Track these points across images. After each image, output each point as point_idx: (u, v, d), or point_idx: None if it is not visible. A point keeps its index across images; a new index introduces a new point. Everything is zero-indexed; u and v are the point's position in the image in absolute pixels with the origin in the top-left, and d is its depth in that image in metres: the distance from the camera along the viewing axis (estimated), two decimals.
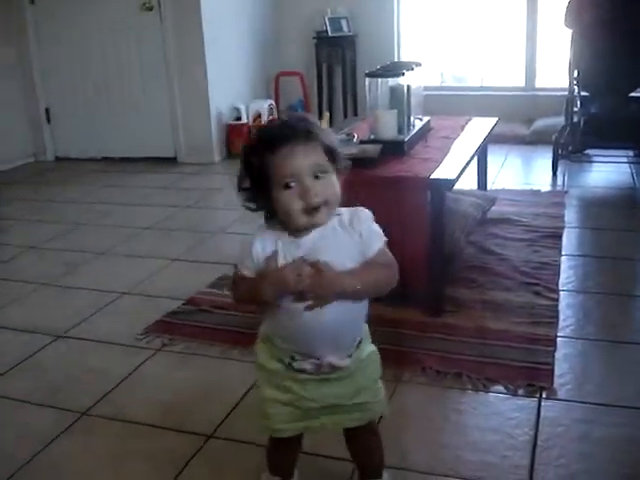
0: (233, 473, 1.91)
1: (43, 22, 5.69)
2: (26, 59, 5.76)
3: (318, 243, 1.42)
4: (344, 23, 5.98)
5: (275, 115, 5.71)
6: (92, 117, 5.73)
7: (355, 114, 6.10)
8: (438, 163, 2.78)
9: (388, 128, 2.93)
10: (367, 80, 3.01)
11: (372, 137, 2.96)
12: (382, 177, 2.64)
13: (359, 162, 2.68)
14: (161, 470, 1.93)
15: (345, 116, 6.12)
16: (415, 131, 3.10)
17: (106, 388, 2.35)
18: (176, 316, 2.80)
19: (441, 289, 2.74)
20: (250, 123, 5.57)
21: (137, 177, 5.18)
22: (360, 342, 1.55)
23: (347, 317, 1.47)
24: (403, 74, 3.01)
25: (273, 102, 5.81)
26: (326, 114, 5.87)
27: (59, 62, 5.74)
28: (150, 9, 5.36)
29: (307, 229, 1.42)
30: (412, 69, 3.11)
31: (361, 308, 1.51)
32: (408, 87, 3.04)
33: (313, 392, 1.52)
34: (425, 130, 3.28)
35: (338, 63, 6.14)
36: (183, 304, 2.90)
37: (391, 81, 3.04)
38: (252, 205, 1.46)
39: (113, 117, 5.66)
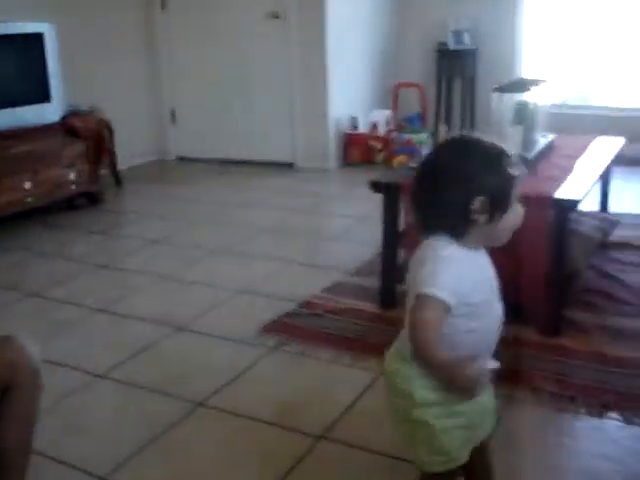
0: (343, 476, 1.95)
1: (172, 26, 5.91)
2: (155, 61, 6.01)
3: (487, 265, 1.50)
4: (466, 36, 5.94)
5: (392, 125, 5.73)
6: (214, 119, 5.91)
7: (472, 127, 6.05)
8: (562, 182, 2.74)
9: (513, 144, 2.90)
10: (494, 95, 3.00)
11: None
12: None
13: None
14: (271, 467, 1.99)
15: (463, 129, 6.07)
16: (540, 149, 3.06)
17: (222, 382, 2.43)
18: (291, 318, 2.86)
19: (559, 310, 2.70)
20: (367, 132, 5.62)
21: (255, 180, 5.31)
22: None
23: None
24: (530, 90, 2.98)
25: (391, 113, 5.83)
26: (443, 127, 5.87)
27: (186, 65, 5.95)
28: (276, 17, 5.49)
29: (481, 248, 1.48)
30: (539, 85, 3.08)
31: None
32: (535, 104, 3.01)
33: (482, 401, 1.50)
34: (549, 148, 3.24)
35: (458, 76, 6.11)
36: (298, 307, 2.96)
37: (517, 97, 3.02)
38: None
39: (234, 121, 5.81)
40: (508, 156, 1.42)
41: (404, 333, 1.44)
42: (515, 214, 1.44)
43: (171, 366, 2.58)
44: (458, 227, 1.41)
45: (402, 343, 1.47)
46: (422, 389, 1.43)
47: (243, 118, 5.77)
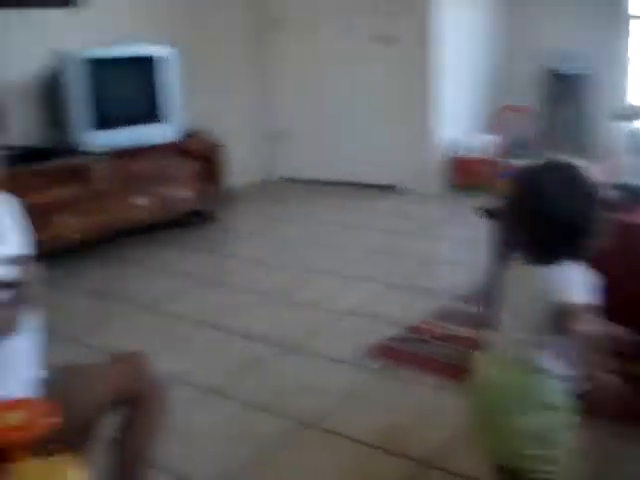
0: None
1: (284, 48, 6.06)
2: (266, 83, 6.16)
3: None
4: (577, 61, 5.83)
5: (498, 150, 5.68)
6: (321, 141, 6.00)
7: (582, 154, 5.91)
8: None
9: (628, 173, 2.85)
10: (609, 121, 2.95)
11: (611, 181, 2.89)
12: (624, 223, 2.56)
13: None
14: None
15: (571, 155, 5.94)
16: None
17: (327, 402, 2.47)
18: (397, 342, 2.88)
19: None
20: (473, 156, 5.59)
21: (358, 202, 5.35)
22: None
23: None
24: None
25: (497, 137, 5.78)
26: (551, 152, 5.76)
27: (295, 87, 6.08)
28: (386, 40, 5.54)
29: None
30: None
31: None
32: None
33: None
34: None
35: (567, 101, 5.99)
36: (405, 331, 2.98)
37: (632, 124, 2.96)
38: None
39: (340, 142, 5.88)
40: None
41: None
42: None
43: (279, 385, 2.64)
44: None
45: (528, 355, 1.50)
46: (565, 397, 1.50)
47: (348, 140, 5.83)
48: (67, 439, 1.60)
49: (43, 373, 1.69)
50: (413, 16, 5.39)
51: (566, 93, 5.94)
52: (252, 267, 3.99)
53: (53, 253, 3.95)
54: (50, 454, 1.53)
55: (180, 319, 3.29)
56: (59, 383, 1.67)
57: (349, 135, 5.83)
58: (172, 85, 4.61)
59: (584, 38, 5.80)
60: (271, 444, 2.25)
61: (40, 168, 3.95)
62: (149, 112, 4.57)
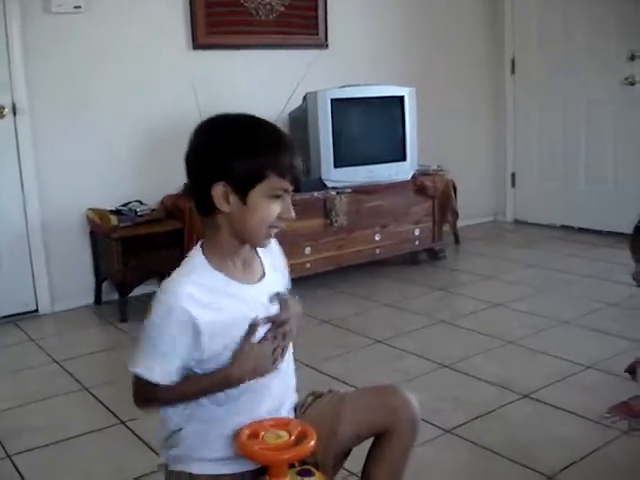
0: None
1: (520, 90, 6.01)
2: (500, 124, 6.13)
3: None
4: None
5: None
6: (555, 184, 5.84)
7: None
8: None
9: None
10: None
11: None
12: None
13: None
14: None
15: None
16: None
17: (571, 458, 2.36)
18: None
19: None
20: None
21: (600, 250, 5.09)
22: None
23: None
24: None
25: None
26: None
27: (529, 129, 5.98)
28: (632, 84, 5.29)
29: None
30: None
31: None
32: None
33: None
34: None
35: None
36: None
37: None
38: None
39: (578, 188, 5.68)
40: None
41: None
42: None
43: (517, 433, 2.56)
44: None
45: None
46: None
47: (586, 185, 5.62)
48: (320, 464, 1.66)
49: (297, 396, 1.77)
50: None
51: None
52: (486, 309, 3.93)
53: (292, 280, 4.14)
54: (301, 475, 1.60)
55: (412, 354, 3.31)
56: (315, 408, 1.74)
57: (589, 180, 5.61)
58: (409, 124, 4.69)
59: None
60: None
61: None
62: (388, 151, 4.70)
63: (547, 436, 2.53)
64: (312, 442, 1.52)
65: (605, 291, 4.12)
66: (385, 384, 1.80)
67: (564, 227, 5.74)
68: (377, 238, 4.57)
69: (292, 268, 4.02)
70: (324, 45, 5.02)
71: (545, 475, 2.27)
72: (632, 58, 5.26)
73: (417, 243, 4.82)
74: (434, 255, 4.96)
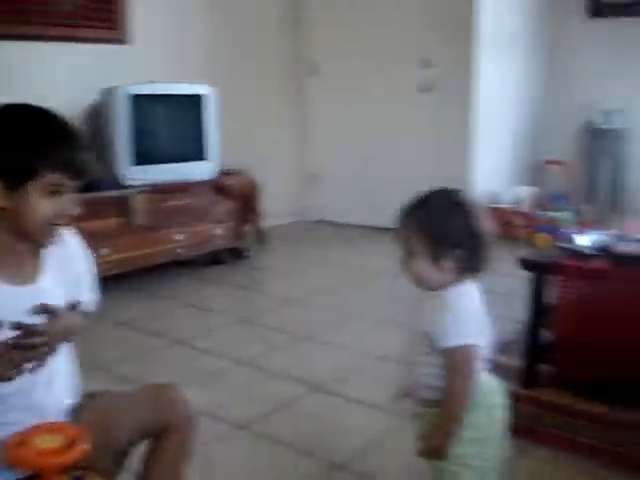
0: None
1: (320, 93, 6.16)
2: (302, 126, 6.25)
3: (421, 305, 1.74)
4: (616, 116, 5.83)
5: (536, 202, 5.66)
6: (354, 185, 6.03)
7: (619, 210, 5.88)
8: None
9: None
10: None
11: None
12: None
13: (636, 260, 2.62)
14: None
15: (610, 211, 5.91)
16: None
17: (361, 446, 2.44)
18: None
19: None
20: (510, 208, 5.57)
21: (392, 247, 5.30)
22: None
23: None
24: None
25: (535, 189, 5.77)
26: (588, 207, 5.74)
27: (330, 130, 6.15)
28: (425, 90, 5.58)
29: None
30: None
31: (424, 369, 1.69)
32: None
33: None
34: None
35: (606, 156, 5.99)
36: None
37: None
38: None
39: (373, 187, 5.90)
40: None
41: None
42: None
43: (310, 425, 2.61)
44: None
45: None
46: None
47: (385, 185, 5.85)
48: (97, 467, 1.59)
49: (74, 399, 1.70)
50: (453, 67, 5.44)
51: (605, 148, 5.94)
52: (285, 306, 3.99)
53: None
54: None
55: (211, 354, 3.28)
56: (89, 410, 1.67)
57: (383, 180, 5.85)
58: (211, 124, 4.67)
59: (624, 93, 5.82)
60: None
61: (81, 199, 3.98)
62: (189, 149, 4.65)
63: (338, 426, 2.60)
64: (84, 445, 1.46)
65: (400, 286, 4.29)
66: (158, 383, 1.77)
67: (364, 226, 5.93)
68: (178, 238, 4.50)
69: None
70: (124, 40, 4.86)
71: (336, 464, 2.33)
72: (426, 65, 5.54)
73: (219, 242, 4.80)
74: (237, 254, 4.96)
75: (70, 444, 1.46)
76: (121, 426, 1.63)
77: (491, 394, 1.70)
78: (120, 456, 1.69)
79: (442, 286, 1.64)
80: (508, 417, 1.73)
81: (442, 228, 1.61)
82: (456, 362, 1.59)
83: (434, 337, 1.60)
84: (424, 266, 1.62)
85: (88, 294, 1.73)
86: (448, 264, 1.61)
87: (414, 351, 1.69)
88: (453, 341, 1.58)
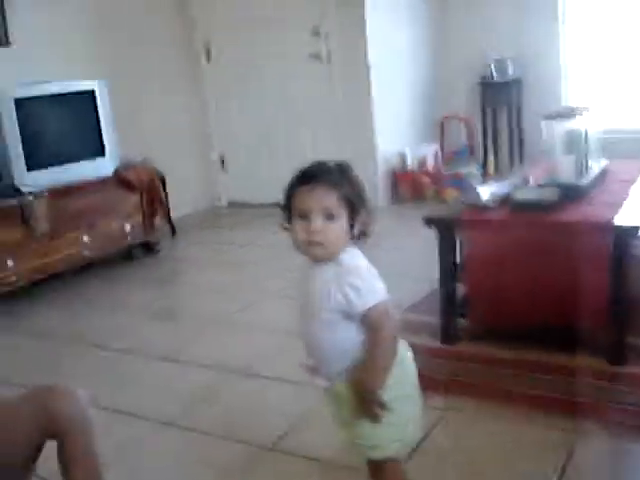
0: None
1: (218, 76, 6.06)
2: (203, 111, 6.15)
3: (313, 281, 1.65)
4: (509, 66, 5.94)
5: (440, 159, 5.74)
6: (262, 164, 6.00)
7: (521, 158, 6.02)
8: (619, 208, 2.70)
9: (566, 172, 2.89)
10: (543, 123, 2.99)
11: (549, 181, 2.92)
12: (562, 222, 2.59)
13: (536, 206, 2.68)
14: None
15: (511, 160, 6.05)
16: (593, 175, 3.03)
17: (289, 425, 2.43)
18: None
19: (623, 337, 2.64)
20: (415, 168, 5.63)
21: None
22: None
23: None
24: (581, 116, 2.97)
25: (438, 147, 5.84)
26: (491, 158, 5.86)
27: (232, 112, 6.07)
28: (318, 58, 5.57)
29: (313, 260, 1.65)
30: (588, 111, 3.06)
31: (333, 344, 1.64)
32: (586, 130, 2.99)
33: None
34: (603, 174, 3.20)
35: (503, 106, 6.10)
36: None
37: (568, 124, 3.00)
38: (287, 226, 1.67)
39: (282, 164, 5.87)
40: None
41: None
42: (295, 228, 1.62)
43: (236, 411, 2.59)
44: None
45: None
46: None
47: (289, 161, 5.77)
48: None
49: None
50: (347, 31, 5.43)
51: (502, 99, 6.05)
52: (203, 295, 3.94)
53: None
54: None
55: (130, 354, 3.21)
56: None
57: (292, 156, 5.82)
58: (105, 119, 4.55)
59: (516, 42, 5.92)
60: (235, 472, 2.20)
61: None
62: (84, 147, 4.51)
63: (264, 408, 2.59)
64: None
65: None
66: (43, 385, 1.75)
67: (273, 205, 5.85)
68: (85, 239, 4.37)
69: None
70: (5, 42, 4.67)
71: (266, 447, 2.32)
72: (316, 33, 5.52)
73: (129, 239, 4.68)
74: (150, 249, 4.86)
75: None
76: (12, 433, 1.61)
77: (401, 349, 1.69)
78: (29, 458, 1.67)
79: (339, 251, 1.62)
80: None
81: (358, 193, 1.63)
82: (377, 319, 1.58)
83: (346, 306, 1.58)
84: (341, 230, 1.59)
85: None
86: (357, 229, 1.61)
87: (312, 328, 1.67)
88: (370, 301, 1.57)
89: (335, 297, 1.59)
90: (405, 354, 1.71)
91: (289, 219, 1.65)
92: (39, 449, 1.68)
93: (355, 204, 1.60)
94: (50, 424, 1.62)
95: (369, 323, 1.59)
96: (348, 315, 1.59)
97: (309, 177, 1.61)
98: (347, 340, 1.62)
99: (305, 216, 1.59)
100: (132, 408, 2.66)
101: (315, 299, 1.63)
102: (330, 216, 1.58)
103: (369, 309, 1.57)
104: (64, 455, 1.65)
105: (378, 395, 1.58)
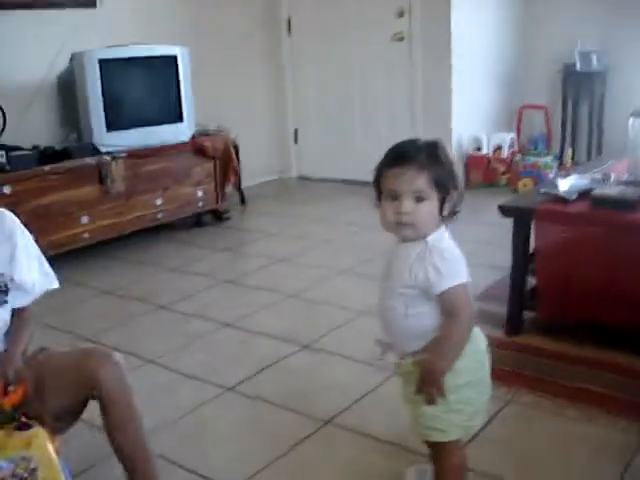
0: None
1: (297, 49, 6.06)
2: (280, 83, 6.16)
3: (397, 258, 1.66)
4: (594, 57, 5.77)
5: (516, 148, 5.65)
6: (336, 140, 5.99)
7: (599, 152, 5.87)
8: None
9: None
10: (631, 119, 2.91)
11: (631, 179, 2.85)
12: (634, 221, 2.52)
13: (617, 204, 2.61)
14: None
15: (589, 154, 5.90)
16: None
17: (348, 401, 2.45)
18: None
19: None
20: (490, 154, 5.55)
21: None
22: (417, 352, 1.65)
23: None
24: None
25: (515, 135, 5.74)
26: (569, 150, 5.73)
27: (309, 87, 6.07)
28: (401, 39, 5.52)
29: (402, 240, 1.65)
30: None
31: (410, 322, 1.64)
32: None
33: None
34: None
35: (585, 98, 5.95)
36: None
37: None
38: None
39: (356, 142, 5.86)
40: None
41: None
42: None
43: (297, 383, 2.62)
44: None
45: None
46: None
47: (364, 139, 5.81)
48: (45, 420, 1.65)
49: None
50: (430, 15, 5.35)
51: (584, 90, 5.90)
52: (270, 266, 3.97)
53: (70, 252, 3.97)
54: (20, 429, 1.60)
55: (196, 317, 3.28)
56: (26, 366, 1.73)
57: (366, 135, 5.81)
58: (185, 85, 4.60)
59: (602, 34, 5.76)
60: (292, 443, 2.23)
61: (56, 168, 3.94)
62: (164, 112, 4.58)
63: (324, 383, 2.61)
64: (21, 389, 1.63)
65: (381, 240, 4.27)
66: (86, 346, 1.88)
67: (345, 181, 5.88)
68: (158, 202, 4.46)
69: (68, 239, 3.87)
70: (92, 3, 4.75)
71: (322, 420, 2.34)
72: (401, 14, 5.46)
73: (200, 205, 4.76)
74: (219, 216, 4.93)
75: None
76: (49, 386, 1.70)
77: (477, 338, 1.70)
78: (66, 414, 1.77)
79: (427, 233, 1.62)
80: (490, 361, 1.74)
81: (450, 174, 1.61)
82: (455, 302, 1.58)
83: (426, 285, 1.58)
84: (431, 211, 1.59)
85: (28, 274, 1.79)
86: (447, 209, 1.61)
87: (391, 305, 1.67)
88: (449, 282, 1.57)
89: (417, 275, 1.59)
90: (480, 342, 1.71)
91: (379, 197, 1.65)
92: (84, 404, 1.78)
93: (446, 185, 1.59)
94: (90, 387, 1.71)
95: (446, 305, 1.59)
96: (427, 294, 1.59)
97: (400, 157, 1.60)
98: (424, 319, 1.63)
99: (395, 197, 1.59)
100: (196, 371, 2.72)
101: (398, 275, 1.64)
102: (420, 198, 1.57)
103: (447, 291, 1.57)
104: (107, 420, 1.74)
105: (440, 378, 1.58)
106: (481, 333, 1.73)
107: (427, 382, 1.60)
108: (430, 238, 1.61)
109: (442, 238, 1.63)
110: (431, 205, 1.59)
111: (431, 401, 1.61)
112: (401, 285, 1.63)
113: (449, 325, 1.60)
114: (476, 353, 1.67)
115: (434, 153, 1.61)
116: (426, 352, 1.62)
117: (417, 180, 1.57)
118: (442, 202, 1.60)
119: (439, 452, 1.74)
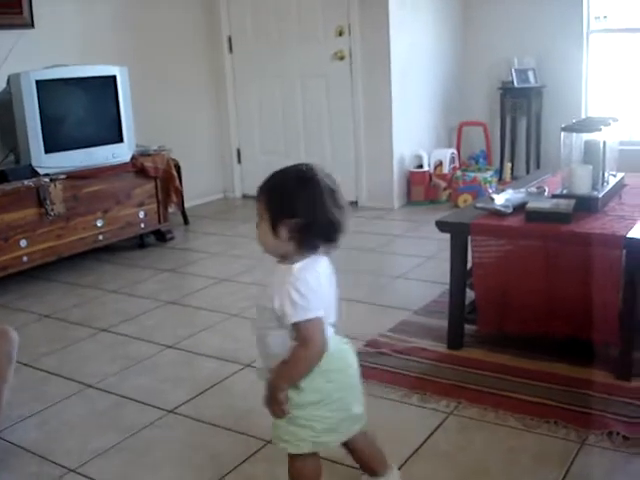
0: None
1: (239, 69, 6.07)
2: (222, 103, 6.16)
3: (271, 278, 1.73)
4: (531, 74, 5.92)
5: (457, 164, 5.74)
6: (279, 158, 5.97)
7: (537, 166, 6.01)
8: (635, 221, 2.69)
9: (582, 183, 2.88)
10: (562, 134, 2.98)
11: (565, 192, 2.92)
12: (575, 233, 2.59)
13: (551, 217, 2.67)
14: None
15: (527, 168, 6.03)
16: (609, 187, 3.02)
17: None
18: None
19: (631, 353, 2.63)
20: (431, 171, 5.63)
21: None
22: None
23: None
24: (600, 129, 2.96)
25: (455, 151, 5.83)
26: (508, 165, 5.84)
27: (251, 106, 6.09)
28: (342, 58, 5.57)
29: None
30: (609, 124, 3.05)
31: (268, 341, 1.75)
32: (604, 142, 2.98)
33: None
34: (619, 187, 3.19)
35: (523, 114, 6.08)
36: (364, 345, 2.96)
37: (586, 136, 2.99)
38: None
39: (300, 160, 5.86)
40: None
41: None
42: None
43: (240, 403, 2.60)
44: None
45: None
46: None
47: (308, 157, 5.82)
48: None
49: None
50: (369, 35, 5.42)
51: (522, 106, 6.04)
52: (213, 286, 3.96)
53: (9, 276, 3.89)
54: None
55: (138, 340, 3.24)
56: None
57: (309, 153, 5.84)
58: (125, 105, 4.57)
59: (538, 51, 5.91)
60: (234, 463, 2.21)
61: None
62: (103, 133, 4.53)
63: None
64: None
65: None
66: None
67: None
68: (99, 224, 4.40)
69: (7, 263, 3.78)
70: (29, 24, 4.69)
71: (264, 440, 2.32)
72: (340, 34, 5.52)
73: (142, 226, 4.72)
74: (162, 237, 4.89)
75: None
76: None
77: (338, 360, 1.79)
78: None
79: (287, 257, 1.71)
80: (354, 376, 1.84)
81: (282, 197, 1.69)
82: (305, 334, 1.67)
83: (281, 313, 1.67)
84: (265, 231, 1.70)
85: None
86: (284, 233, 1.67)
87: (258, 323, 1.78)
88: (301, 316, 1.65)
89: (275, 301, 1.67)
90: (343, 364, 1.80)
91: None
92: None
93: (276, 207, 1.68)
94: None
95: (298, 334, 1.68)
96: (281, 321, 1.68)
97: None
98: (282, 340, 1.72)
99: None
100: (137, 394, 2.69)
101: (265, 295, 1.73)
102: (259, 220, 1.71)
103: (299, 323, 1.66)
104: None
105: (277, 395, 1.70)
106: (351, 354, 1.85)
107: (267, 397, 1.73)
108: (297, 266, 1.69)
109: (307, 268, 1.70)
110: (264, 227, 1.70)
111: (273, 414, 1.75)
112: (264, 307, 1.72)
113: (297, 351, 1.69)
114: (329, 374, 1.75)
115: (278, 178, 1.74)
116: (274, 368, 1.73)
117: (257, 203, 1.72)
118: (273, 225, 1.67)
119: (289, 461, 1.85)
